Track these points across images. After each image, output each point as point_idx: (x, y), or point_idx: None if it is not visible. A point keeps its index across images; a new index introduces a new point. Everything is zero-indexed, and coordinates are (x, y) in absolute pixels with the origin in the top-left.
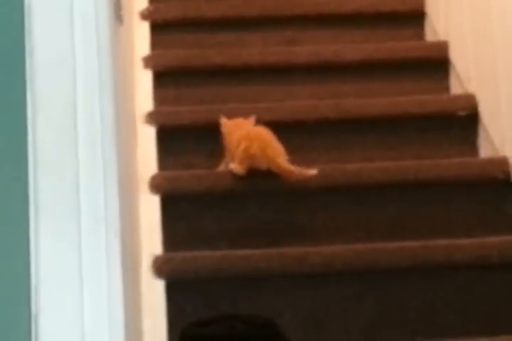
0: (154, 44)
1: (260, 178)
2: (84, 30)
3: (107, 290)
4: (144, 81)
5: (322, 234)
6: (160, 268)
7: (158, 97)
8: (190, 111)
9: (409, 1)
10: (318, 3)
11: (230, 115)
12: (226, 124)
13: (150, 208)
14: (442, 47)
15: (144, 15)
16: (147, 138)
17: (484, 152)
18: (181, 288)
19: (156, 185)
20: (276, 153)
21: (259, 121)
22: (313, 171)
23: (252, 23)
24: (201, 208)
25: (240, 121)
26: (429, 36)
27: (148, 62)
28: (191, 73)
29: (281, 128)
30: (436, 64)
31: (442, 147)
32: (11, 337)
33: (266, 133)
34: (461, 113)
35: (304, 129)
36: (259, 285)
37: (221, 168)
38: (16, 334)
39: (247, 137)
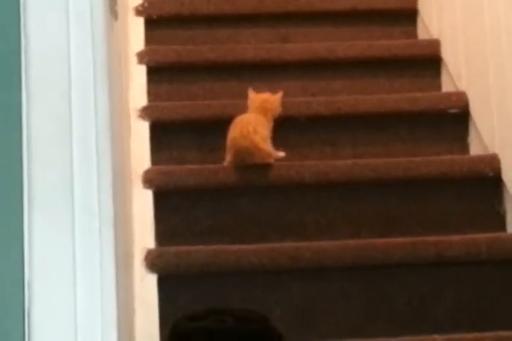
0: (149, 39)
1: (253, 173)
2: (79, 25)
3: (100, 284)
4: (138, 76)
5: (313, 229)
6: (152, 262)
7: (152, 92)
8: (183, 106)
9: None
10: (311, 0)
11: (225, 111)
12: (252, 99)
13: (143, 202)
14: (434, 45)
15: (139, 11)
16: (141, 132)
17: (474, 149)
18: (173, 282)
19: (149, 180)
20: (255, 132)
21: None
22: (281, 153)
23: (246, 20)
24: (194, 203)
25: (266, 95)
26: (421, 34)
27: (142, 57)
28: (185, 68)
29: (273, 124)
30: (428, 62)
31: (433, 144)
32: (3, 332)
33: (253, 117)
34: (452, 110)
35: (295, 125)
36: (250, 279)
37: (225, 162)
38: (9, 329)
39: (234, 126)
